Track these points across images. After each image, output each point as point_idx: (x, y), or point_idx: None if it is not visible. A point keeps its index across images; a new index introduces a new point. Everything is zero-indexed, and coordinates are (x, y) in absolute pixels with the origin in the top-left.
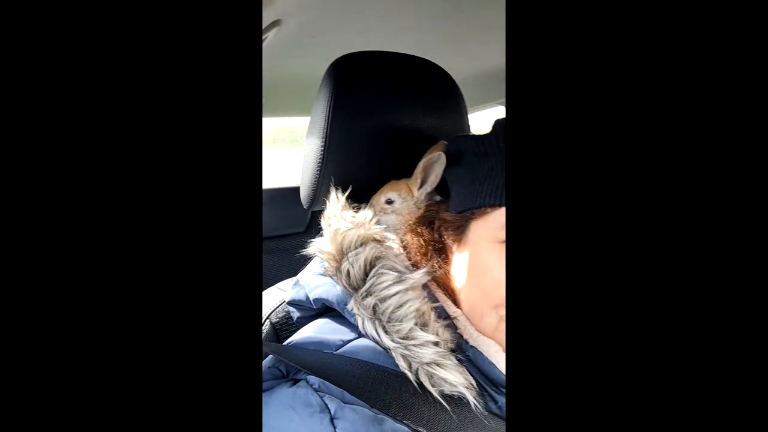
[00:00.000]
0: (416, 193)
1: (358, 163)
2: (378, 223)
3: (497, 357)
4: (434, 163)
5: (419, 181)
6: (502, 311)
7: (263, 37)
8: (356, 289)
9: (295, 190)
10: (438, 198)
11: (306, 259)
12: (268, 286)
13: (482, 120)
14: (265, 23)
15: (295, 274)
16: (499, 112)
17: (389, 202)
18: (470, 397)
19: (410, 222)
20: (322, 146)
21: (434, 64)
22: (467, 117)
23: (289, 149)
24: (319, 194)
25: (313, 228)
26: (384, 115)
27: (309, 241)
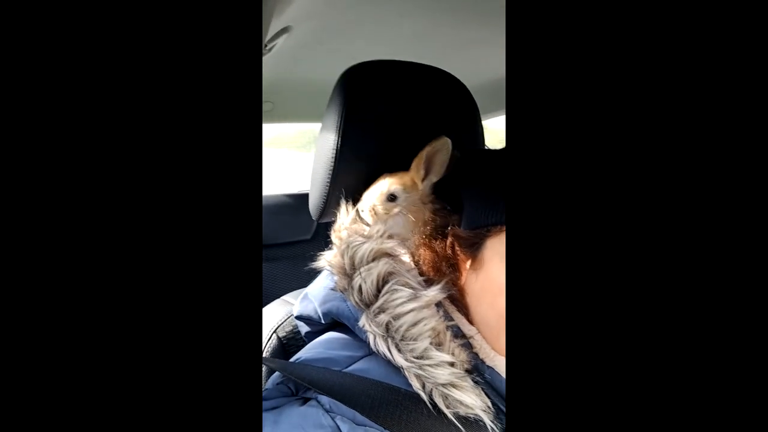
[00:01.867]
0: (421, 186)
1: (370, 175)
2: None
3: None
4: (438, 151)
5: (422, 171)
6: None
7: (273, 44)
8: (368, 305)
9: (301, 197)
10: (448, 208)
11: (314, 266)
12: (274, 293)
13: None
14: (275, 30)
15: (301, 281)
16: None
17: (392, 198)
18: (487, 420)
19: (423, 234)
20: (332, 157)
21: (447, 73)
22: (482, 127)
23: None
24: (329, 206)
25: (319, 236)
26: (396, 125)
27: (318, 254)
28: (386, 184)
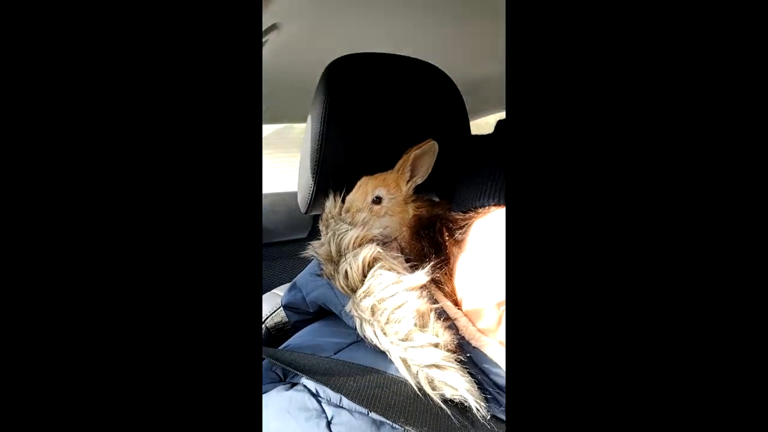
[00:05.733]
0: (404, 188)
1: (355, 167)
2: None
3: (500, 357)
4: (425, 153)
5: (408, 173)
6: (503, 309)
7: (263, 41)
8: (354, 290)
9: (296, 195)
10: (436, 199)
11: (307, 264)
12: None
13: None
14: (263, 27)
15: None
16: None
17: (377, 200)
18: (472, 401)
19: (411, 223)
20: (317, 149)
21: (435, 66)
22: (468, 121)
23: None
24: (316, 198)
25: (315, 234)
26: (381, 116)
27: (308, 244)
28: (370, 187)
